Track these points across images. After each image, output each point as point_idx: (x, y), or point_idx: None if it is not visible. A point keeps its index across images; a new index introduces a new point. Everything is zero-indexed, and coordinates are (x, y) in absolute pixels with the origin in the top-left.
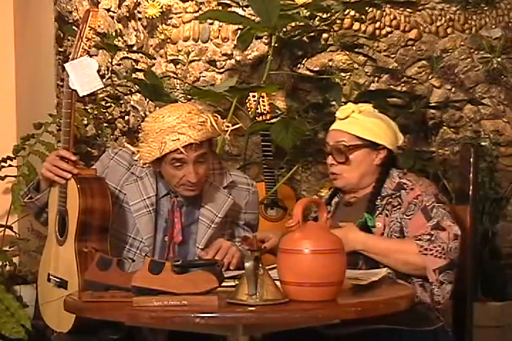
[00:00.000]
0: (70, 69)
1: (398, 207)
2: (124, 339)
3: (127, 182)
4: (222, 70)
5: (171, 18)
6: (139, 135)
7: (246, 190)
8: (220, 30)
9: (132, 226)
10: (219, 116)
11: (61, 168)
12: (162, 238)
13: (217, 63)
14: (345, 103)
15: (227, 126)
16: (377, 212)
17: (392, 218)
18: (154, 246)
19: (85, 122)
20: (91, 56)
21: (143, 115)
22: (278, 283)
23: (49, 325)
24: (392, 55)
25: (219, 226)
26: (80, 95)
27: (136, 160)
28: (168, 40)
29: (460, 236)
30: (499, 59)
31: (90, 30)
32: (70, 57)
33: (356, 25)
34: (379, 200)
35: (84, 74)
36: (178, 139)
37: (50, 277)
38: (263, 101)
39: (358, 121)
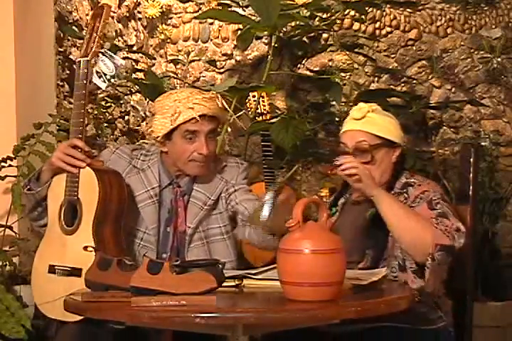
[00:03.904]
0: (101, 59)
1: (404, 201)
2: (128, 330)
3: (130, 174)
4: (222, 70)
5: (171, 18)
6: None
7: (236, 167)
8: (220, 30)
9: (134, 217)
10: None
11: (75, 157)
12: (164, 229)
13: (217, 63)
14: (345, 103)
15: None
16: None
17: None
18: (158, 237)
19: (85, 122)
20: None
21: (143, 115)
22: (278, 283)
23: (50, 315)
24: (392, 55)
25: (211, 207)
26: (103, 88)
27: (136, 154)
28: (168, 40)
29: (464, 233)
30: (499, 59)
31: (105, 24)
32: (82, 51)
33: (356, 25)
34: None
35: (104, 69)
36: (193, 108)
37: (56, 268)
38: (263, 101)
39: (374, 121)
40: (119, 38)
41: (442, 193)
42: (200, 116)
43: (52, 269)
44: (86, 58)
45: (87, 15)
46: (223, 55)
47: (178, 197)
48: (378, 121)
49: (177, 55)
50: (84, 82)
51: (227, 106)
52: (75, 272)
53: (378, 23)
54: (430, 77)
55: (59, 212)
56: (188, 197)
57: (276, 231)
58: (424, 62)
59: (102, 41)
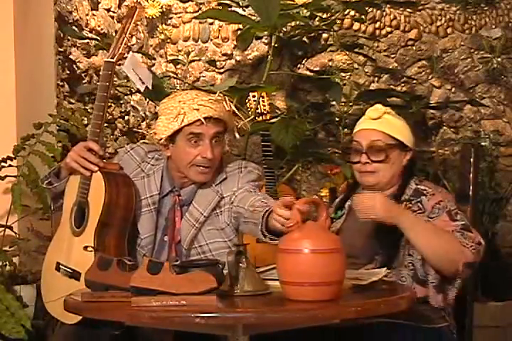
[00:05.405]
0: (131, 62)
1: (419, 211)
2: (125, 334)
3: (136, 178)
4: (222, 70)
5: (171, 18)
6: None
7: (237, 174)
8: (220, 30)
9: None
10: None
11: (88, 160)
12: (161, 237)
13: (217, 63)
14: (345, 103)
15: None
16: None
17: None
18: (154, 245)
19: (85, 122)
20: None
21: (143, 115)
22: (277, 282)
23: (51, 313)
24: (392, 55)
25: (203, 224)
26: (142, 89)
27: (150, 157)
28: (168, 40)
29: (484, 246)
30: (499, 59)
31: (135, 26)
32: (109, 51)
33: (356, 25)
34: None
35: (139, 70)
36: (198, 110)
37: (61, 266)
38: (263, 101)
39: (390, 122)
40: None
41: (454, 201)
42: (205, 118)
43: (58, 267)
44: (112, 60)
45: (87, 15)
46: (223, 55)
47: (176, 207)
48: (394, 122)
49: (177, 55)
50: (107, 83)
51: (235, 109)
52: (75, 275)
53: (378, 23)
54: (430, 77)
55: (71, 212)
56: (187, 208)
57: (259, 287)
58: (424, 62)
59: (129, 43)
